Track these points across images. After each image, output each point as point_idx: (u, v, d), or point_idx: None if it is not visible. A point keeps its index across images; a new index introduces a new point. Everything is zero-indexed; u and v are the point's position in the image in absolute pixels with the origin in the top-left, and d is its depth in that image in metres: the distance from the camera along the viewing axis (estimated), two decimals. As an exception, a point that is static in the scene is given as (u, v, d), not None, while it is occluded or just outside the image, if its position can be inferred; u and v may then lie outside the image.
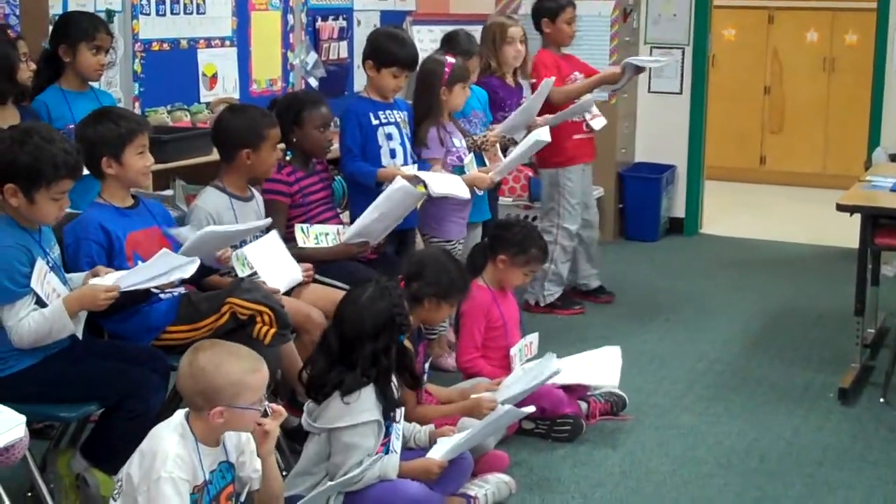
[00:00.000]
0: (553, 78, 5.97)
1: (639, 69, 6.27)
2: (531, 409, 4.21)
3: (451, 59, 5.29)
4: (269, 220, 4.40)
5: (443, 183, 5.00)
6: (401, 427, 3.81)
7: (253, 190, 4.56)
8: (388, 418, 3.71)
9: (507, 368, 4.74)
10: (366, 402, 3.61)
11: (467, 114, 5.60)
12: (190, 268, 3.72)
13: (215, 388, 3.05)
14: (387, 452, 3.70)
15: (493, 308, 4.83)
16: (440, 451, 3.83)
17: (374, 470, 3.56)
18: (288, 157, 4.86)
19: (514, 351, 4.79)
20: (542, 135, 5.46)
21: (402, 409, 3.84)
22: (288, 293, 4.36)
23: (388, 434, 3.71)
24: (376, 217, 4.74)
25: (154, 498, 2.97)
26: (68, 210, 3.67)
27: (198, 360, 3.10)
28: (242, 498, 3.28)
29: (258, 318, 3.89)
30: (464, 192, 5.09)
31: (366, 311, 3.67)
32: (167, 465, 3.00)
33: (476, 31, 6.18)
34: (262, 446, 3.22)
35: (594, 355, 4.94)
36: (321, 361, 3.70)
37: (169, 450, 3.03)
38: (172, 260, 3.70)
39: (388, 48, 5.08)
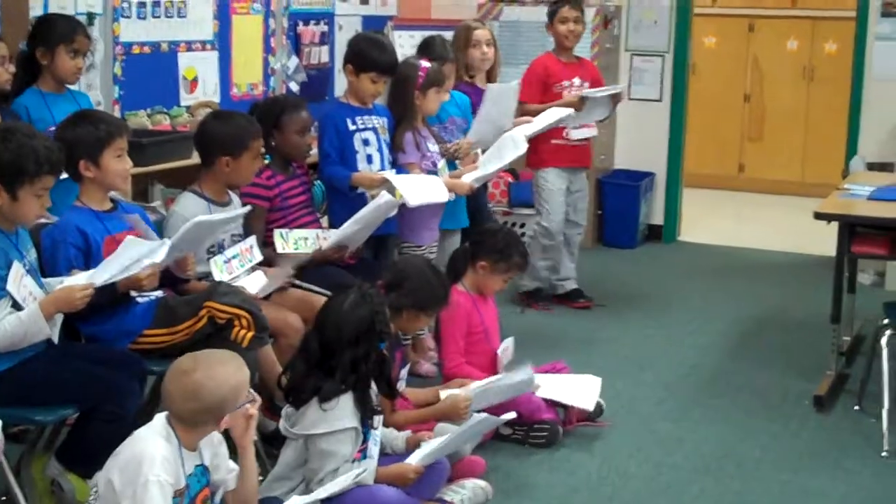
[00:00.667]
0: (514, 83, 5.99)
1: (614, 99, 6.32)
2: (512, 415, 4.20)
3: (425, 64, 5.29)
4: (249, 207, 4.41)
5: (420, 191, 4.99)
6: (379, 433, 3.81)
7: (231, 194, 4.56)
8: (367, 425, 3.71)
9: (491, 371, 4.74)
10: (343, 410, 3.61)
11: (444, 120, 5.61)
12: (160, 251, 3.71)
13: (221, 401, 3.07)
14: (364, 458, 3.70)
15: (473, 313, 4.83)
16: (417, 457, 3.83)
17: (350, 475, 3.56)
18: (266, 161, 4.85)
19: (500, 351, 4.81)
20: (517, 138, 5.46)
21: (381, 415, 3.84)
22: (266, 298, 4.36)
23: (365, 440, 3.71)
24: (358, 228, 4.76)
25: (141, 502, 2.96)
26: (44, 219, 3.66)
27: (192, 379, 3.07)
28: (217, 499, 3.27)
29: (236, 322, 3.89)
30: (442, 195, 5.10)
31: (347, 318, 3.66)
32: (154, 468, 2.98)
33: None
34: (246, 433, 3.21)
35: (575, 379, 4.94)
36: (300, 366, 3.69)
37: (156, 453, 3.02)
38: (141, 247, 3.69)
39: (367, 53, 5.09)
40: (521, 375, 4.47)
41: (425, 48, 5.74)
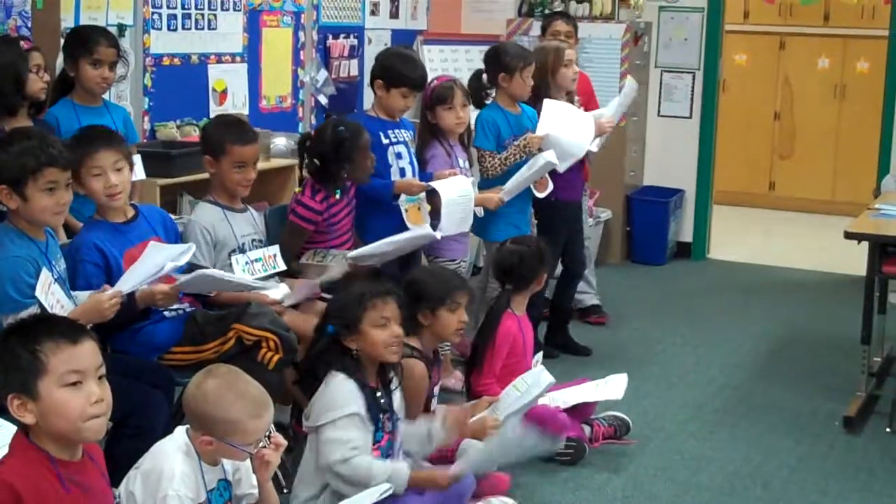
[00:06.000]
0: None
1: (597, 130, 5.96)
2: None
3: (436, 82, 5.30)
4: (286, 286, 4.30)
5: (454, 216, 5.00)
6: (399, 438, 3.81)
7: (251, 209, 4.51)
8: (378, 420, 3.68)
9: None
10: (345, 395, 3.62)
11: (518, 135, 5.55)
12: (186, 256, 3.68)
13: (210, 419, 3.02)
14: (384, 457, 3.69)
15: (518, 335, 4.80)
16: (459, 465, 3.78)
17: (382, 471, 3.56)
18: (337, 196, 4.76)
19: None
20: (550, 157, 5.44)
21: (398, 419, 3.83)
22: (295, 307, 4.36)
23: (377, 440, 3.70)
24: (390, 250, 4.74)
25: None
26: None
27: (206, 384, 3.05)
28: (240, 513, 3.26)
29: (263, 344, 3.89)
30: (469, 222, 5.15)
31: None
32: (174, 482, 2.96)
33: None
34: (260, 474, 3.19)
35: (601, 383, 4.91)
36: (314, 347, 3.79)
37: (175, 468, 3.00)
38: (165, 252, 3.67)
39: (398, 69, 5.07)
40: (541, 383, 4.42)
41: (493, 58, 5.57)
